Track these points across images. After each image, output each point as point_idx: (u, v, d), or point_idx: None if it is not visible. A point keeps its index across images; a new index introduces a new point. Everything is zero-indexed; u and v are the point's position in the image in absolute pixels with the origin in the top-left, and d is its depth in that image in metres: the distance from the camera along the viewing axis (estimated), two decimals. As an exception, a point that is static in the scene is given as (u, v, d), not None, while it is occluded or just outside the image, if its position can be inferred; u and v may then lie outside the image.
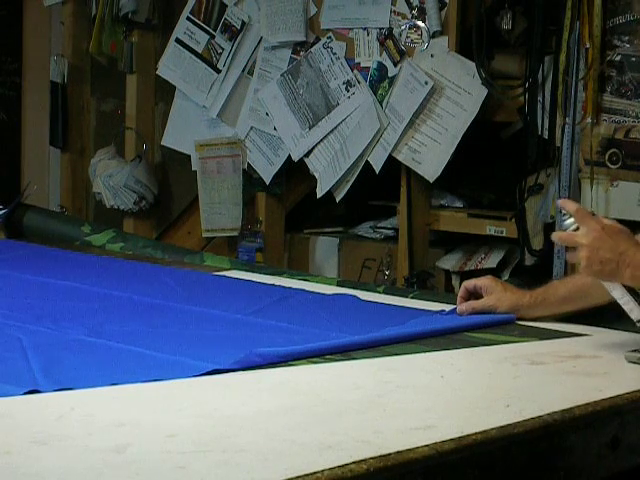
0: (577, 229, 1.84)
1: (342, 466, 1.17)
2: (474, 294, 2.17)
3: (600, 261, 1.81)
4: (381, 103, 3.73)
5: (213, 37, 4.10)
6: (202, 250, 3.85)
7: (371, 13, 3.77)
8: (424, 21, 3.66)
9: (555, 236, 1.90)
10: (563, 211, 1.88)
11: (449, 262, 3.81)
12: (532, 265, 3.57)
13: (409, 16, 3.70)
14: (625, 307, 1.84)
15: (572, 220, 1.85)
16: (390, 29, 3.73)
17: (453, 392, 1.58)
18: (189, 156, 4.21)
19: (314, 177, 3.93)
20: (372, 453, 1.21)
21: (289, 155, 3.97)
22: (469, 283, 2.18)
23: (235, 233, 4.13)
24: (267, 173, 4.05)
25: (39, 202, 3.75)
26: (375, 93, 3.75)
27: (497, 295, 2.13)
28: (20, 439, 1.25)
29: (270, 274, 2.67)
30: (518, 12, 3.60)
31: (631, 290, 1.83)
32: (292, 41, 3.94)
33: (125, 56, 4.35)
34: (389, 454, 1.21)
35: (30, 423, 1.33)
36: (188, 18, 4.15)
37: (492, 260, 3.73)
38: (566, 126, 3.41)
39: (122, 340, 1.84)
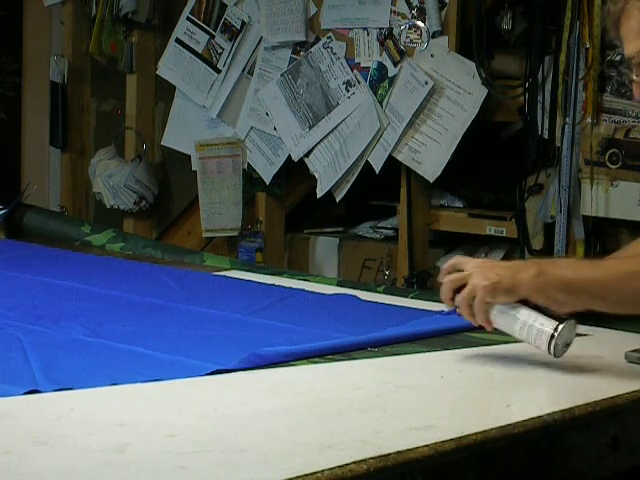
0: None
1: (342, 466, 1.17)
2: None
3: (496, 273, 1.68)
4: (381, 103, 3.73)
5: (213, 37, 4.10)
6: (202, 250, 3.84)
7: (371, 13, 3.77)
8: (424, 21, 3.66)
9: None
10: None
11: (449, 262, 3.80)
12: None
13: (409, 16, 3.70)
14: (532, 332, 1.67)
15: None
16: (390, 29, 3.73)
17: (453, 392, 1.58)
18: (189, 156, 4.21)
19: (314, 177, 3.93)
20: (372, 453, 1.21)
21: (289, 155, 3.97)
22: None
23: (235, 233, 4.13)
24: (267, 173, 4.05)
25: (39, 202, 3.75)
26: (375, 93, 3.75)
27: None
28: (20, 439, 1.25)
29: (270, 274, 2.67)
30: (518, 12, 3.61)
31: (536, 308, 1.67)
32: (292, 41, 3.94)
33: (125, 56, 4.35)
34: (389, 454, 1.21)
35: (30, 423, 1.33)
36: (188, 18, 4.15)
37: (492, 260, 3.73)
38: (566, 126, 3.41)
39: (122, 340, 1.84)
